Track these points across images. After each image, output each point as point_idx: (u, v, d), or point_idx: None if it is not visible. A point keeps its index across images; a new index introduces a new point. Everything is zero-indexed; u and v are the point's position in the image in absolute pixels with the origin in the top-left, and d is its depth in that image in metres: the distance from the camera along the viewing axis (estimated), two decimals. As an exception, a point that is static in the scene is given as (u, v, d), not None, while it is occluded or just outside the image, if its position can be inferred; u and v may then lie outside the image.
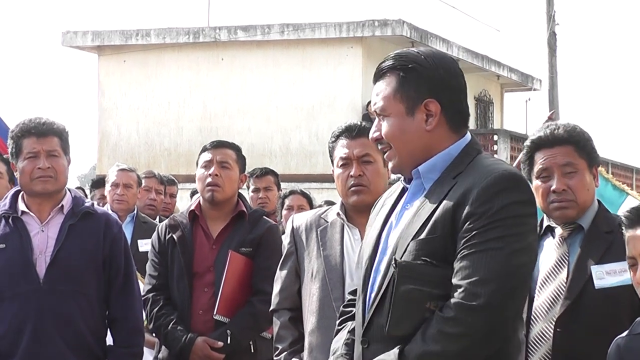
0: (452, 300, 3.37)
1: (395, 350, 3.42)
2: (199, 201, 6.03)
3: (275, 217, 8.28)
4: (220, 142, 6.11)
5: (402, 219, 3.62)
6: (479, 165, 3.54)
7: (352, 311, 3.86)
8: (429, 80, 3.61)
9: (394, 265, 3.44)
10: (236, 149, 6.13)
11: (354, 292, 3.92)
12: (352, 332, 3.77)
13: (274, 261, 5.52)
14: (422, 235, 3.47)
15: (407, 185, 3.70)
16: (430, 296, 3.42)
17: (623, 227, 3.58)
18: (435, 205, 3.49)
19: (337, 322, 3.96)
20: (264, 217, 6.13)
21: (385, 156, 3.70)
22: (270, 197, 8.61)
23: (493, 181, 3.43)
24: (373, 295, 3.59)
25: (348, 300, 3.98)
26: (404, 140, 3.61)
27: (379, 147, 3.71)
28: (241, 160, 6.11)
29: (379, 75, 3.68)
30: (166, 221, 6.14)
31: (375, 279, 3.62)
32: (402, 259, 3.45)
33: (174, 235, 5.90)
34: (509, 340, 3.52)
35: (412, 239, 3.49)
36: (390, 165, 3.69)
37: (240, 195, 6.12)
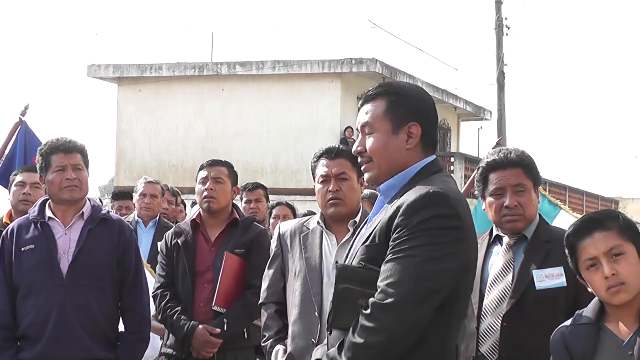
0: (371, 300, 3.33)
1: (339, 343, 3.43)
2: (200, 212, 6.05)
3: (265, 225, 8.26)
4: (215, 161, 6.14)
5: (363, 230, 3.64)
6: (420, 184, 3.47)
7: None
8: (414, 107, 3.60)
9: (335, 267, 3.44)
10: (228, 165, 6.15)
11: None
12: None
13: (264, 260, 5.53)
14: (367, 243, 3.47)
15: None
16: (362, 294, 3.36)
17: (572, 237, 3.55)
18: (387, 217, 3.45)
19: None
20: (255, 223, 6.13)
21: (363, 168, 3.65)
22: (260, 208, 8.61)
23: (418, 198, 3.37)
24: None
25: None
26: (385, 155, 3.57)
27: (359, 160, 3.66)
28: (233, 175, 6.11)
29: (368, 99, 3.66)
30: (172, 229, 6.15)
31: None
32: (347, 263, 3.48)
33: (178, 241, 5.93)
34: (443, 349, 3.45)
35: (362, 245, 3.50)
36: (367, 176, 3.64)
37: (234, 205, 6.13)
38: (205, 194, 5.92)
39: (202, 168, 6.07)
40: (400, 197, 3.46)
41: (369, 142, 3.60)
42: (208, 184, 5.93)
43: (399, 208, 3.38)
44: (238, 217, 6.01)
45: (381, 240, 3.41)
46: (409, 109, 3.60)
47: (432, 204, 3.36)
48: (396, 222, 3.36)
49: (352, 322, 3.37)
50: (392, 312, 3.26)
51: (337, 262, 3.47)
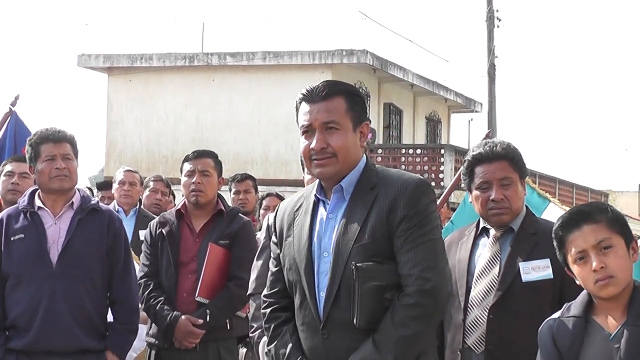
0: (409, 289, 3.49)
1: (369, 342, 3.49)
2: (185, 202, 6.03)
3: (254, 216, 8.28)
4: (200, 153, 6.12)
5: (333, 227, 3.67)
6: (390, 176, 3.69)
7: (282, 315, 3.84)
8: (364, 107, 3.78)
9: (354, 268, 3.50)
10: (214, 156, 6.14)
11: (273, 296, 3.90)
12: (293, 334, 3.76)
13: (247, 251, 5.60)
14: (364, 240, 3.56)
15: (323, 198, 3.75)
16: (387, 288, 3.51)
17: (560, 231, 3.58)
18: (365, 213, 3.59)
19: (270, 325, 3.87)
20: (239, 214, 6.13)
21: (321, 163, 3.68)
22: (249, 199, 8.63)
23: (414, 188, 3.59)
24: (324, 294, 3.62)
25: (272, 304, 3.91)
26: (349, 152, 3.69)
27: (315, 156, 3.68)
28: (219, 166, 6.10)
29: (324, 97, 3.70)
30: (157, 219, 6.15)
31: (320, 280, 3.66)
32: (357, 262, 3.52)
33: (163, 230, 5.92)
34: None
35: (354, 244, 3.56)
36: (324, 170, 3.68)
37: (219, 196, 6.11)
38: (193, 187, 5.90)
39: (187, 160, 6.05)
40: (368, 191, 3.63)
41: (334, 138, 3.67)
42: (195, 177, 5.92)
43: (394, 200, 3.56)
44: (223, 207, 6.00)
45: (382, 234, 3.56)
46: (362, 109, 3.77)
47: (427, 191, 3.64)
48: (401, 213, 3.55)
49: (380, 317, 3.50)
50: (436, 294, 3.50)
51: (355, 264, 3.50)
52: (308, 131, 3.72)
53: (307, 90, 3.75)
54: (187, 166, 6.00)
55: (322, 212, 3.75)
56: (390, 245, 3.55)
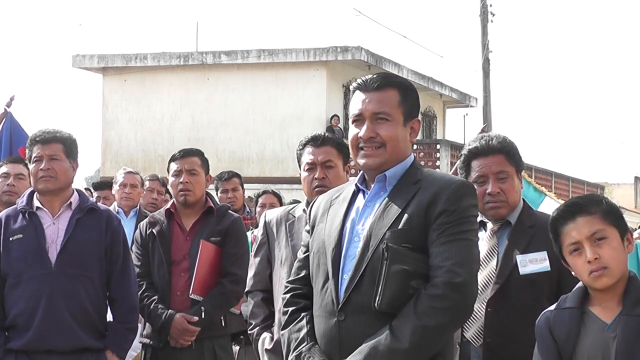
0: (438, 280, 3.46)
1: (386, 328, 3.46)
2: (173, 201, 6.06)
3: (243, 214, 8.27)
4: (186, 152, 6.13)
5: (369, 214, 3.66)
6: (435, 174, 3.70)
7: (301, 302, 3.82)
8: (416, 103, 3.78)
9: (385, 249, 3.47)
10: (200, 154, 6.15)
11: (296, 282, 3.90)
12: (309, 321, 3.73)
13: (239, 247, 5.64)
14: (399, 227, 3.54)
15: (363, 188, 3.76)
16: (414, 275, 3.48)
17: (555, 222, 3.60)
18: (405, 203, 3.58)
19: (287, 309, 3.85)
20: (229, 211, 6.14)
21: (369, 153, 3.69)
22: (237, 197, 8.62)
23: (458, 187, 3.58)
24: (347, 276, 3.60)
25: (292, 290, 3.89)
26: (398, 144, 3.69)
27: (361, 145, 3.70)
28: (205, 164, 6.12)
29: (376, 87, 3.71)
30: (146, 219, 6.15)
31: (345, 264, 3.64)
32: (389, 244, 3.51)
33: (153, 230, 5.93)
34: None
35: (388, 229, 3.54)
36: (370, 160, 3.69)
37: (208, 194, 6.14)
38: (181, 187, 5.92)
39: (173, 159, 6.07)
40: (411, 185, 3.62)
41: (384, 128, 3.68)
42: (183, 176, 5.94)
43: (436, 194, 3.55)
44: (212, 205, 6.02)
45: (419, 223, 3.54)
46: (415, 104, 3.77)
47: (470, 193, 3.64)
48: (440, 207, 3.53)
49: (402, 303, 3.46)
50: (464, 290, 3.46)
51: (387, 244, 3.48)
52: (358, 120, 3.72)
53: (362, 80, 3.76)
54: (174, 166, 6.02)
55: (360, 201, 3.75)
56: (424, 236, 3.53)
